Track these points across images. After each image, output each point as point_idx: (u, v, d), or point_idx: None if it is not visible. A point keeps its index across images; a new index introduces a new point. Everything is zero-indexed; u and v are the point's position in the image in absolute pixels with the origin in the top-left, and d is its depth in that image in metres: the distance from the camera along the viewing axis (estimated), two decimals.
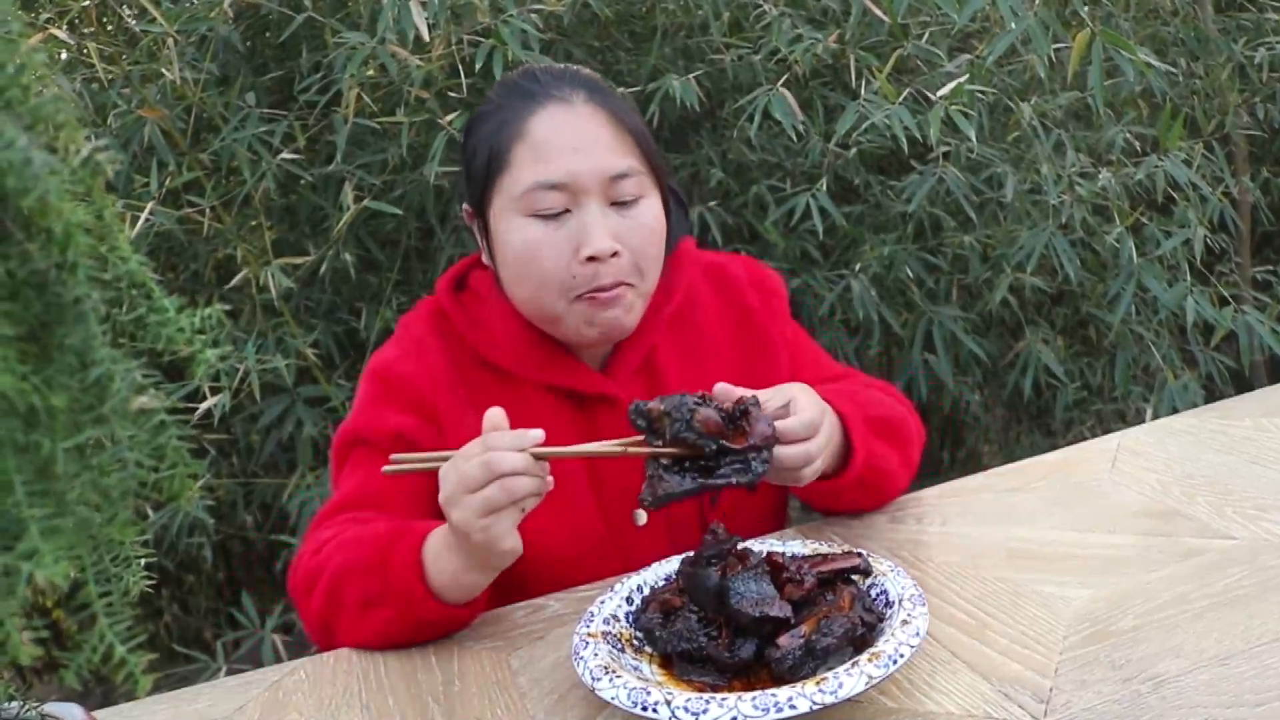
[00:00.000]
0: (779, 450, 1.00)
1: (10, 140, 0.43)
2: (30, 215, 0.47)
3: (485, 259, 1.18)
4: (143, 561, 0.57)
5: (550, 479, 0.95)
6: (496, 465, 0.91)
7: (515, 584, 1.15)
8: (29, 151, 0.44)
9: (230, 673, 1.64)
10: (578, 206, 1.09)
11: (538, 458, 0.93)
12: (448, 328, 1.19)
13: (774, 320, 1.27)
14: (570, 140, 1.09)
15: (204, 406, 1.66)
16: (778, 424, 0.99)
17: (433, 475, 1.13)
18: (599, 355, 1.20)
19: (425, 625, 1.02)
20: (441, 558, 0.98)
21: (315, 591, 1.04)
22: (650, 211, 1.13)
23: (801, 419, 1.01)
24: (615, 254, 1.09)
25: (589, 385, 1.17)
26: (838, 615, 0.87)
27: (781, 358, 1.25)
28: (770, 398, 1.03)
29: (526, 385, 1.16)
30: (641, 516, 1.17)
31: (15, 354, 0.44)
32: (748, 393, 0.99)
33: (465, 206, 1.20)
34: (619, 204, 1.11)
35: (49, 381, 0.46)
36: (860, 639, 0.87)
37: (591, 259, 1.08)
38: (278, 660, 1.73)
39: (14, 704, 0.68)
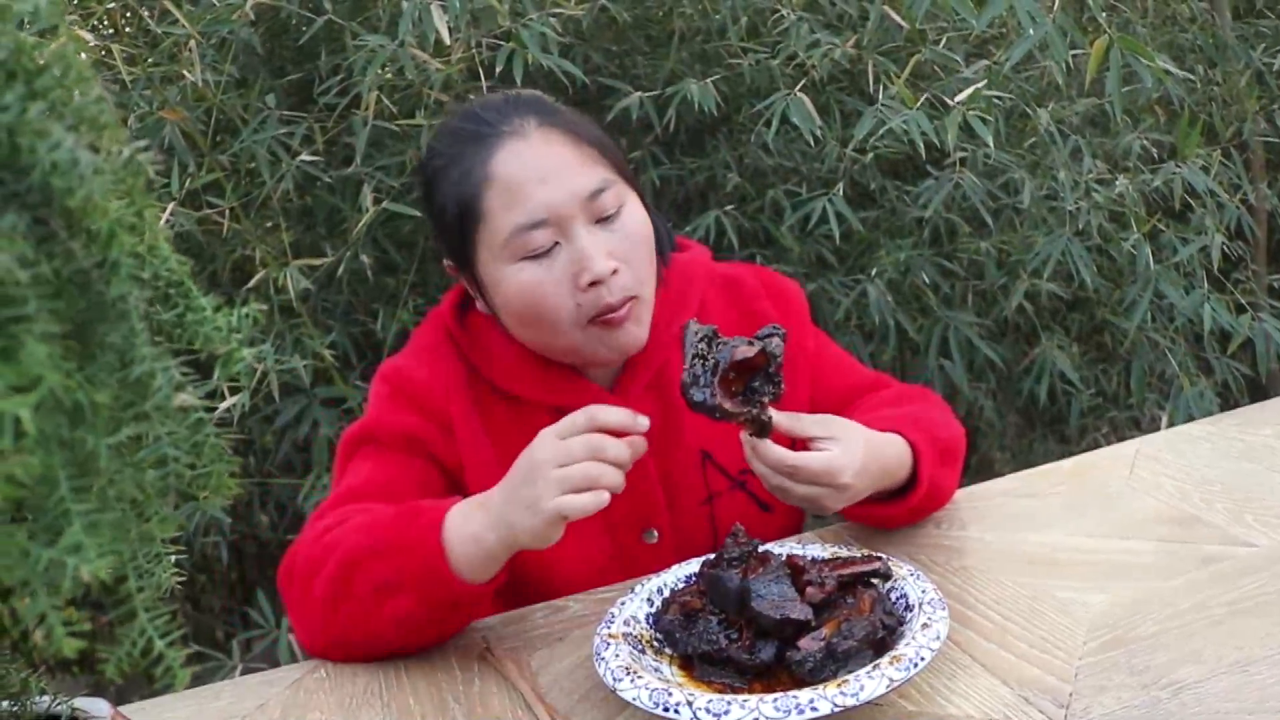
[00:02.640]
0: (756, 466, 1.01)
1: (58, 140, 0.44)
2: (74, 214, 0.47)
3: (482, 307, 1.15)
4: (173, 558, 0.58)
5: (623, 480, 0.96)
6: (599, 447, 0.93)
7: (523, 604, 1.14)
8: (76, 151, 0.44)
9: (246, 671, 1.65)
10: (565, 236, 1.06)
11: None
12: (456, 347, 1.18)
13: (790, 331, 1.25)
14: (536, 173, 1.06)
15: (224, 406, 1.67)
16: (774, 452, 0.99)
17: (443, 471, 1.13)
18: (609, 374, 1.18)
19: (445, 608, 0.98)
20: (471, 519, 0.96)
21: (319, 578, 1.00)
22: (635, 218, 1.10)
23: (787, 460, 1.00)
24: (615, 271, 1.07)
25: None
26: (858, 618, 0.87)
27: (799, 367, 1.21)
28: (811, 429, 1.03)
29: (536, 408, 1.14)
30: (653, 534, 1.16)
31: (60, 351, 0.44)
32: (799, 419, 1.02)
33: (447, 262, 1.17)
34: (603, 219, 1.08)
35: (92, 378, 0.46)
36: (880, 642, 0.87)
37: (594, 283, 1.06)
38: (293, 659, 1.73)
39: (44, 698, 0.69)
